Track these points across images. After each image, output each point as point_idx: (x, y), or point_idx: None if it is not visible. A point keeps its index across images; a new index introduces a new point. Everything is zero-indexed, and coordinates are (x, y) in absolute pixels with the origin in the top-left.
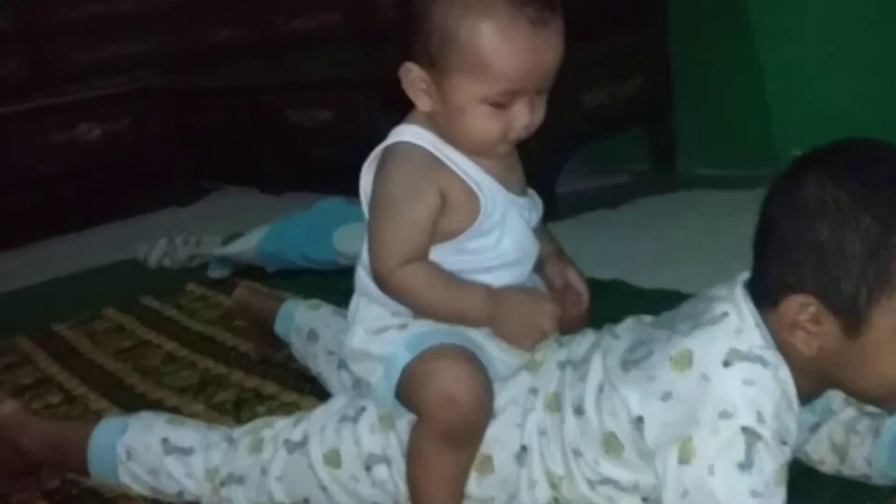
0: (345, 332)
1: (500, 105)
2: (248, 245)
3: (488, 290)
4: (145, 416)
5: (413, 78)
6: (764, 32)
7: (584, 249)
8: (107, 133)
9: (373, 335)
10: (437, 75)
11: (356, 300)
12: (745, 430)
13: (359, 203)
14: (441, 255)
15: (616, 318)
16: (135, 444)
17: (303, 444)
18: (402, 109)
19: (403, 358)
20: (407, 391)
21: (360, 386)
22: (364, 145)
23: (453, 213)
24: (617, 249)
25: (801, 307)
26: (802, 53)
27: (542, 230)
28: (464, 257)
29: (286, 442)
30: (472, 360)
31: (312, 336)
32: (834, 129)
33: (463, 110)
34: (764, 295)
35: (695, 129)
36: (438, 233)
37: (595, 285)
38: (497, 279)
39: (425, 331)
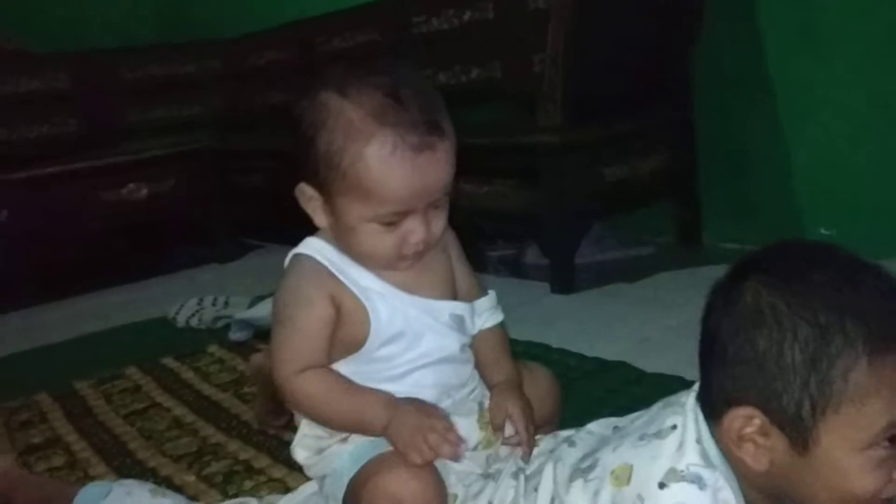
0: None
1: (390, 223)
2: (269, 309)
3: (388, 399)
4: (129, 484)
5: (307, 197)
6: (791, 109)
7: (595, 323)
8: (153, 192)
9: (315, 455)
10: (327, 196)
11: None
12: None
13: None
14: (353, 366)
15: (616, 402)
16: None
17: None
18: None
19: (350, 471)
20: (355, 500)
21: None
22: None
23: (347, 324)
24: (627, 325)
25: (745, 420)
26: (830, 131)
27: (497, 351)
28: (375, 366)
29: None
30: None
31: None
32: (863, 209)
33: (353, 229)
34: (711, 408)
35: (721, 204)
36: (343, 345)
37: (598, 365)
38: (419, 381)
39: (370, 441)
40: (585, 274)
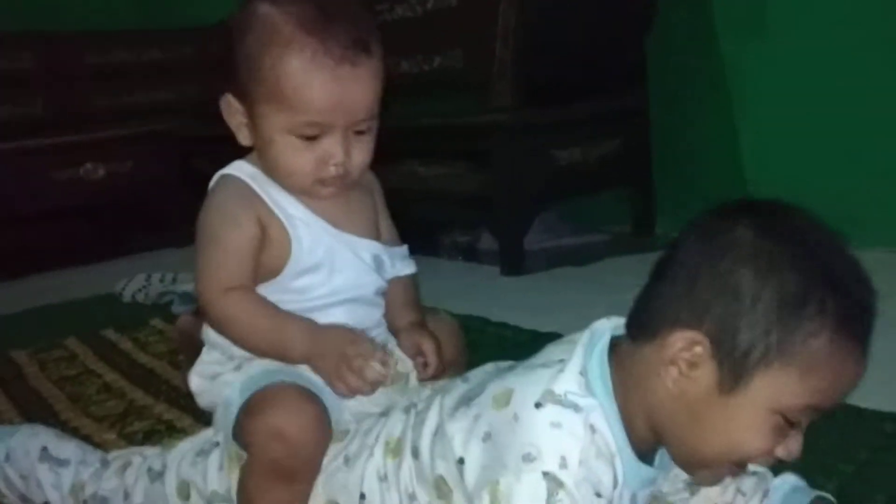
0: None
1: (308, 138)
2: None
3: (311, 326)
4: (35, 426)
5: (232, 110)
6: (742, 98)
7: (539, 302)
8: (111, 174)
9: (208, 381)
10: (248, 106)
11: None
12: (546, 475)
13: None
14: (265, 294)
15: None
16: (16, 448)
17: (161, 473)
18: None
19: (238, 401)
20: (241, 433)
21: None
22: None
23: (270, 248)
24: (571, 304)
25: (687, 344)
26: (780, 120)
27: (409, 296)
28: (289, 296)
29: (149, 470)
30: (304, 396)
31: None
32: (810, 194)
33: (271, 141)
34: (644, 325)
35: (675, 193)
36: (261, 270)
37: (532, 336)
38: (330, 318)
39: (261, 371)
40: (537, 259)
